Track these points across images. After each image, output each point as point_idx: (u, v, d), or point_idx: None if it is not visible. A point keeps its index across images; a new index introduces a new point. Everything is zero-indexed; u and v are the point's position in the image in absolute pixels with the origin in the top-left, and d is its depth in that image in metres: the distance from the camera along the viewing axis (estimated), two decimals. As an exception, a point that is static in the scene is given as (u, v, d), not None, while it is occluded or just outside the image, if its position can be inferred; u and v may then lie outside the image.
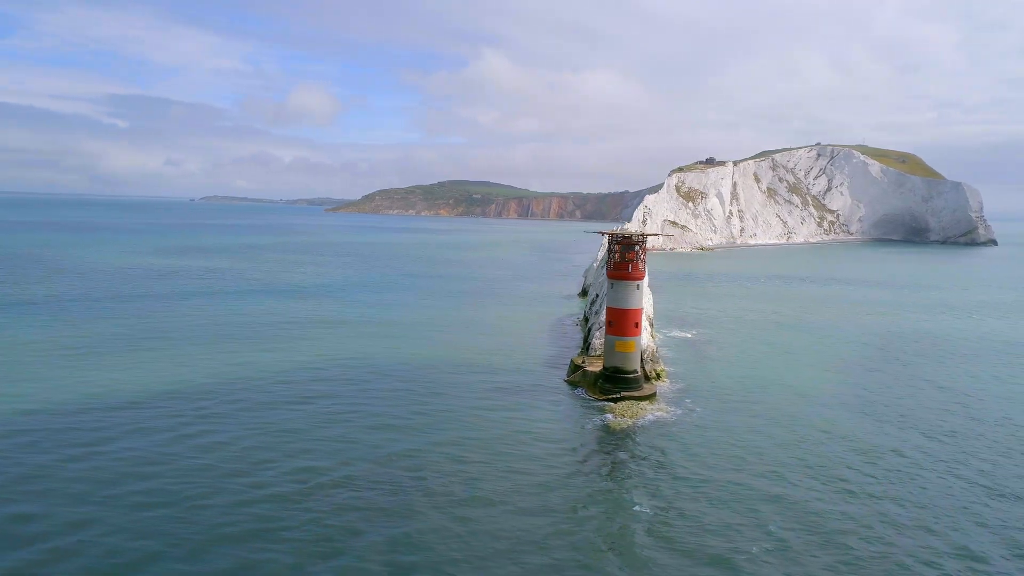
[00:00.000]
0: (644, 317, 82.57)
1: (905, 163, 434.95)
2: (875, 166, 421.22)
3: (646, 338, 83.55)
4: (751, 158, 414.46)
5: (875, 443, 57.77)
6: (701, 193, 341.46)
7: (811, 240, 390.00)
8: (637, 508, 44.52)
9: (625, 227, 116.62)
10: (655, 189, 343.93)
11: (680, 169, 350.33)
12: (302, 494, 45.11)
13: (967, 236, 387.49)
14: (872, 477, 50.23)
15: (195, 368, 77.03)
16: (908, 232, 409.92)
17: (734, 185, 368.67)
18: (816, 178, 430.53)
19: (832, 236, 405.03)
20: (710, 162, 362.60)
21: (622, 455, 54.35)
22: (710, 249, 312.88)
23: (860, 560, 38.32)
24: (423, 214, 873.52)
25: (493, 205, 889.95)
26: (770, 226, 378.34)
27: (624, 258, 70.17)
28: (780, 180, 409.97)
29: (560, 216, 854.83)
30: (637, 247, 70.52)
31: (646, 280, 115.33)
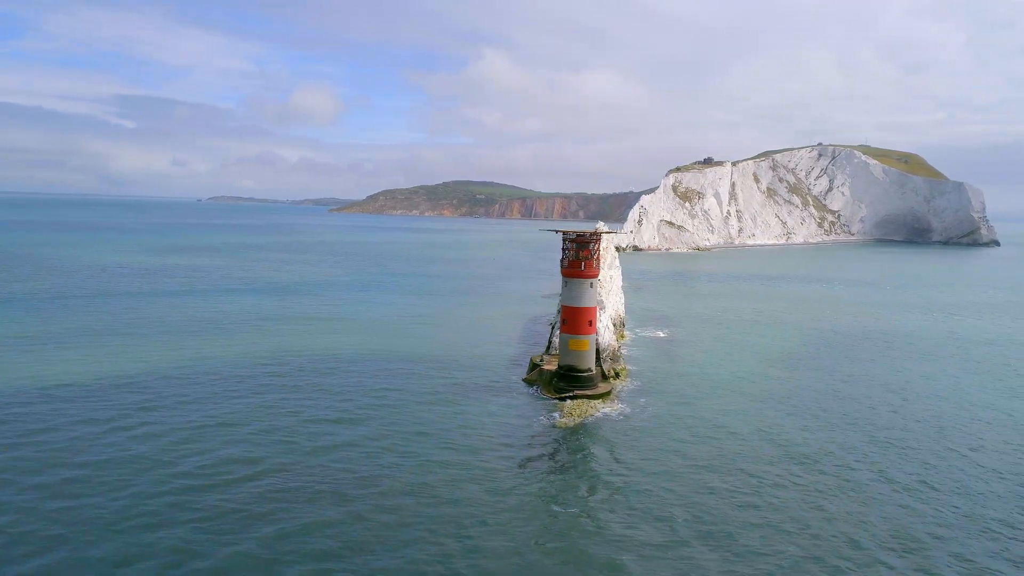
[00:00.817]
0: (605, 316, 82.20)
1: (907, 163, 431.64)
2: (877, 166, 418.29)
3: (609, 337, 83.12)
4: (751, 158, 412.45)
5: (810, 442, 57.01)
6: (698, 193, 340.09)
7: (811, 241, 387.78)
8: (554, 507, 44.09)
9: (598, 226, 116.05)
10: (653, 190, 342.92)
11: (677, 169, 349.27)
12: (222, 483, 45.15)
13: (969, 237, 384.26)
14: (799, 477, 49.52)
15: (152, 362, 77.13)
16: (910, 233, 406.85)
17: (732, 185, 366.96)
18: (817, 178, 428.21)
19: (833, 236, 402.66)
20: (708, 162, 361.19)
21: (558, 453, 53.88)
22: (707, 249, 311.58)
23: (753, 555, 37.73)
24: (427, 214, 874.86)
25: (496, 205, 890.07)
26: (769, 226, 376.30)
27: (578, 256, 69.78)
28: (780, 180, 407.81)
29: (563, 216, 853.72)
30: (591, 245, 70.17)
31: (619, 281, 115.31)
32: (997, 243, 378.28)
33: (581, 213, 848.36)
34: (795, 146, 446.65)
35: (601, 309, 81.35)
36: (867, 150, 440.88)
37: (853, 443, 57.04)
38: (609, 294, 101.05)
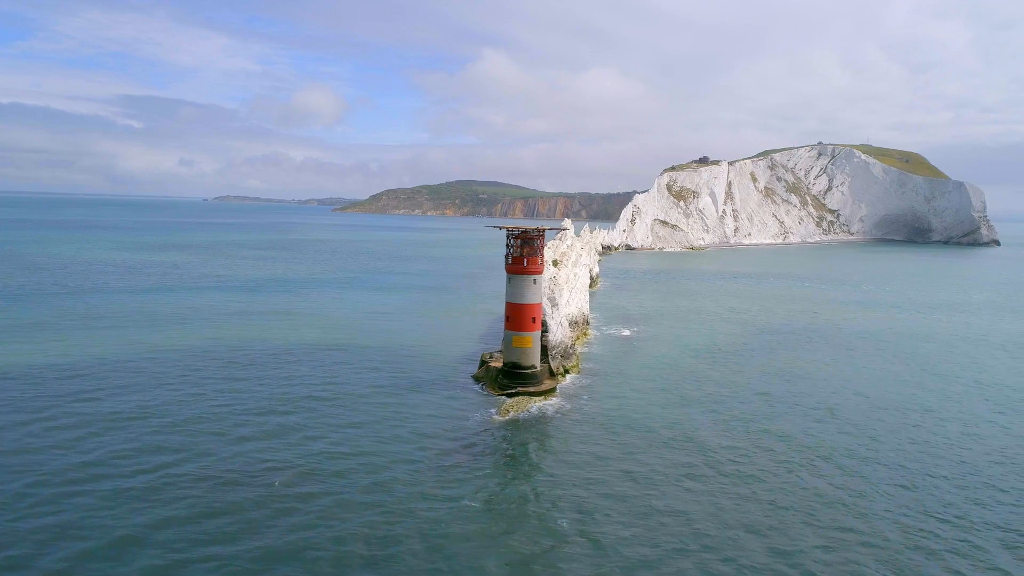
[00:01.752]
0: (558, 314, 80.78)
1: (909, 163, 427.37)
2: (877, 165, 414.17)
3: (562, 334, 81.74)
4: (749, 158, 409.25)
5: (730, 440, 55.53)
6: (693, 192, 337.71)
7: (809, 240, 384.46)
8: (466, 502, 42.90)
9: (563, 223, 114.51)
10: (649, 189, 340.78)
11: (672, 168, 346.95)
12: (131, 470, 44.56)
13: (970, 236, 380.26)
14: (707, 473, 48.08)
15: (101, 354, 76.52)
16: (910, 232, 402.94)
17: (729, 184, 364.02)
18: (816, 177, 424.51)
19: (832, 236, 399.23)
20: (703, 161, 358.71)
21: (481, 449, 52.60)
22: (701, 249, 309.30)
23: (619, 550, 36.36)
24: (429, 214, 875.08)
25: (499, 205, 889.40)
26: (766, 226, 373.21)
27: (522, 253, 68.61)
28: (778, 180, 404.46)
29: (565, 216, 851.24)
30: (535, 242, 69.08)
31: (585, 279, 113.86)
32: (998, 243, 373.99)
33: (583, 213, 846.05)
34: (795, 144, 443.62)
35: (553, 306, 80.00)
36: (868, 149, 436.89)
37: (768, 443, 55.51)
38: (572, 291, 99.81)
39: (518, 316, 68.76)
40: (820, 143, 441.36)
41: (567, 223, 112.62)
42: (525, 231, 69.64)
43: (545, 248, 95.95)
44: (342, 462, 48.58)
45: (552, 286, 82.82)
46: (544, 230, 71.29)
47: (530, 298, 68.85)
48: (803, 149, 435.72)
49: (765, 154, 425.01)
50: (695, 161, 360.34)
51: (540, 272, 69.97)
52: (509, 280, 69.64)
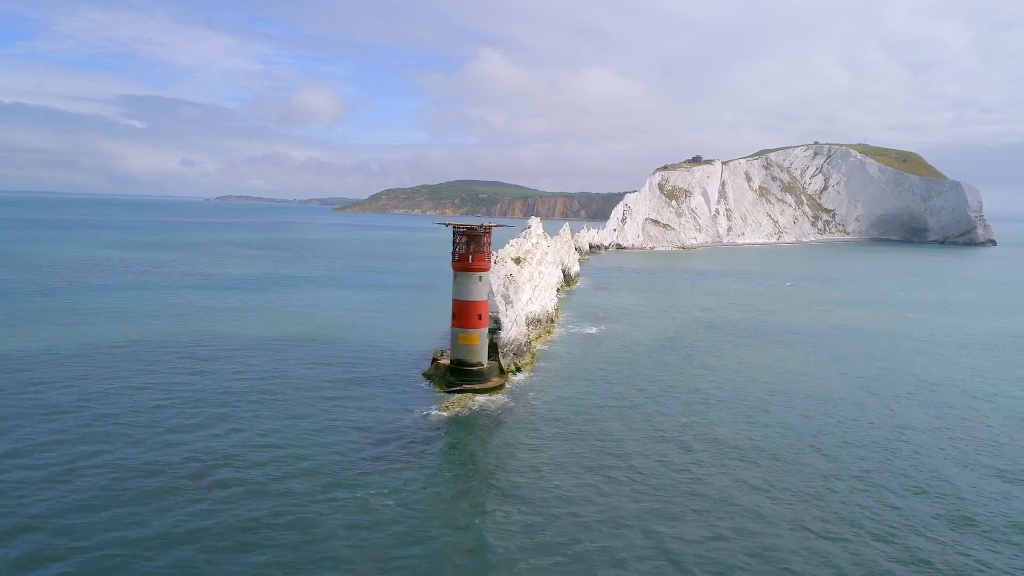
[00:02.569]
0: (512, 311, 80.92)
1: (906, 162, 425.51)
2: (873, 165, 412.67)
3: (516, 332, 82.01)
4: (743, 157, 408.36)
5: (652, 443, 55.81)
6: (685, 192, 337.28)
7: (804, 240, 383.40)
8: (376, 493, 43.27)
9: (530, 221, 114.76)
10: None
11: (665, 168, 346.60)
12: (46, 462, 45.08)
13: (966, 236, 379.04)
14: (637, 473, 48.38)
15: (49, 344, 77.00)
16: (907, 232, 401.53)
17: (723, 184, 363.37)
18: (812, 177, 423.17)
19: (827, 236, 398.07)
20: (696, 160, 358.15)
21: (414, 445, 52.90)
22: (692, 248, 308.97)
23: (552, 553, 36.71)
24: (428, 213, 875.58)
25: (499, 204, 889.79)
26: (760, 225, 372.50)
27: (467, 250, 68.99)
28: (773, 179, 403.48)
29: (565, 216, 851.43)
30: (482, 239, 69.40)
31: (554, 278, 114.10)
32: (994, 242, 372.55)
33: (583, 212, 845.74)
34: (792, 143, 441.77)
35: (508, 304, 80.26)
36: (865, 149, 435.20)
37: (690, 441, 55.77)
38: (537, 289, 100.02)
39: (464, 313, 69.14)
40: (816, 143, 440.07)
41: (532, 221, 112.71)
42: (471, 228, 69.96)
43: (509, 245, 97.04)
44: (267, 452, 49.19)
45: (507, 283, 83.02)
46: (491, 227, 71.59)
47: (476, 295, 69.19)
48: (799, 148, 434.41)
49: (761, 154, 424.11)
50: (688, 160, 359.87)
51: (486, 269, 70.33)
52: (455, 277, 70.00)
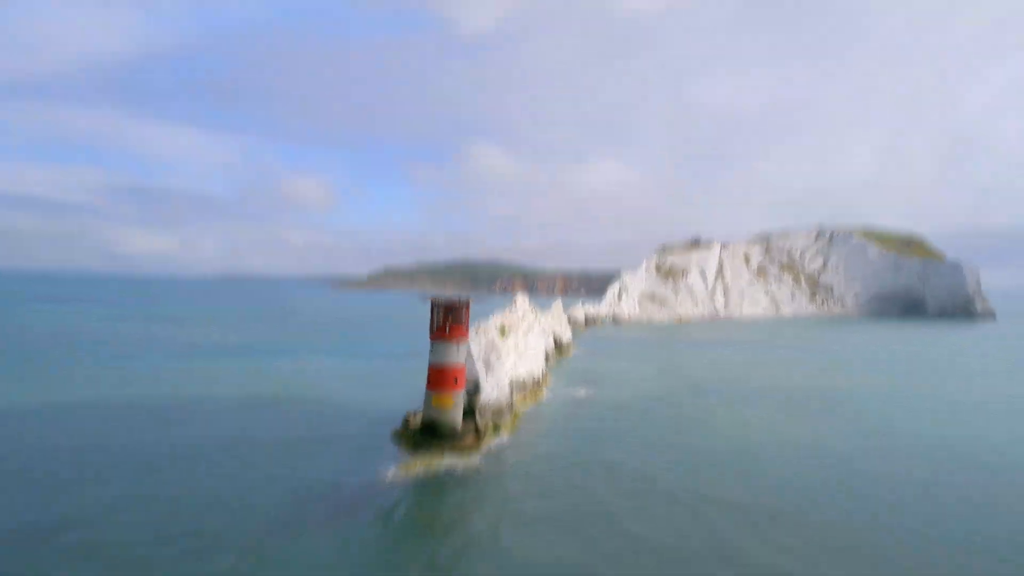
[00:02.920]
0: (493, 377, 78.14)
1: (909, 246, 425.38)
2: (873, 249, 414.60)
3: (498, 394, 79.23)
4: (744, 240, 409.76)
5: (620, 510, 52.20)
6: (683, 271, 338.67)
7: (800, 314, 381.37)
8: (302, 551, 39.69)
9: (517, 297, 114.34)
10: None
11: (663, 248, 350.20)
12: None
13: (963, 310, 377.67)
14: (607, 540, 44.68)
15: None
16: (904, 307, 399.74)
17: (720, 264, 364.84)
18: (812, 258, 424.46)
19: (826, 310, 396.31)
20: (695, 243, 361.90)
21: (359, 503, 49.49)
22: (689, 320, 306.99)
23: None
24: (427, 289, 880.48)
25: (499, 281, 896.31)
26: (757, 302, 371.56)
27: (444, 322, 67.97)
28: (772, 261, 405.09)
29: (565, 293, 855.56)
30: (461, 311, 68.98)
31: (543, 346, 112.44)
32: (993, 316, 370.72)
33: (583, 289, 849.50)
34: (795, 227, 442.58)
35: (488, 369, 78.03)
36: (868, 233, 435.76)
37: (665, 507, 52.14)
38: (522, 357, 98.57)
39: (439, 376, 67.35)
40: (819, 225, 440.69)
41: (519, 297, 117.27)
42: (450, 302, 69.54)
43: (495, 317, 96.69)
44: (196, 519, 45.75)
45: (489, 350, 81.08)
46: (469, 301, 71.59)
47: (453, 359, 67.44)
48: (802, 233, 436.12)
49: (761, 237, 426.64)
50: (687, 241, 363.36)
51: (464, 336, 68.93)
52: (432, 346, 68.54)
